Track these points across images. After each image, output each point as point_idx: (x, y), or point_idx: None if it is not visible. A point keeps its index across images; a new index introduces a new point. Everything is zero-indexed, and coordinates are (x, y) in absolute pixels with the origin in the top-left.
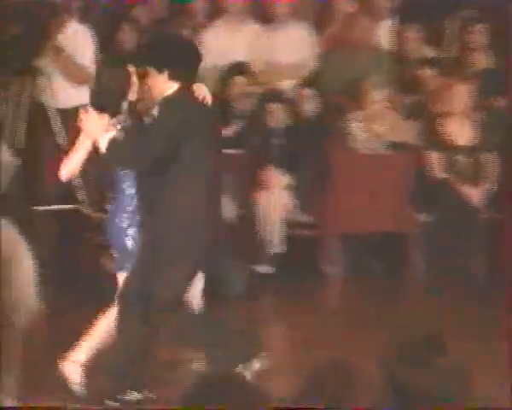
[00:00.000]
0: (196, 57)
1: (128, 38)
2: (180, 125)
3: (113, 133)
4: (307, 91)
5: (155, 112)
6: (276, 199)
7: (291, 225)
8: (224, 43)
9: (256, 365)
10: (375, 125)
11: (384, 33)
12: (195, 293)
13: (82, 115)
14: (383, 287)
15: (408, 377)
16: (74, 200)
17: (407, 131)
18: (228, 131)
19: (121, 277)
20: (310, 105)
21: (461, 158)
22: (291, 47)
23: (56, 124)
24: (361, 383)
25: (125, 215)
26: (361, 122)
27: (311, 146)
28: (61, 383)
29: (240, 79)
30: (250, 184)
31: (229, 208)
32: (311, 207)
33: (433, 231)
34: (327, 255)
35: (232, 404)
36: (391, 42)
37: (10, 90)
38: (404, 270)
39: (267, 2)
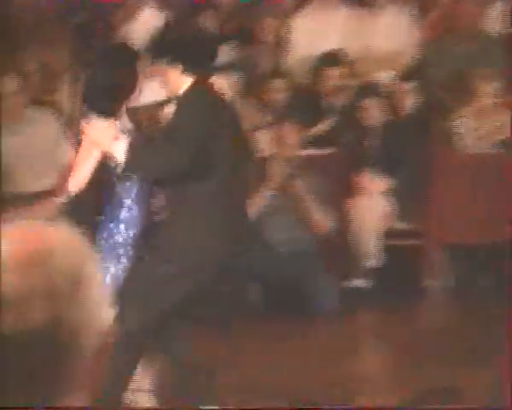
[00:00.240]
0: (211, 49)
1: (209, 25)
2: (206, 119)
3: (125, 141)
4: (407, 84)
5: (174, 110)
6: (372, 206)
7: (389, 234)
8: (315, 30)
9: None
10: (484, 123)
11: (494, 18)
12: None
13: (86, 127)
14: (491, 304)
15: None
16: None
17: None
18: (318, 129)
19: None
20: (410, 100)
21: None
22: (389, 34)
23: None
24: None
25: (121, 226)
26: (468, 119)
27: (411, 146)
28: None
29: (333, 71)
30: (343, 189)
31: (319, 216)
32: (411, 215)
33: None
34: (428, 267)
35: None
36: (502, 28)
37: None
38: None
39: None
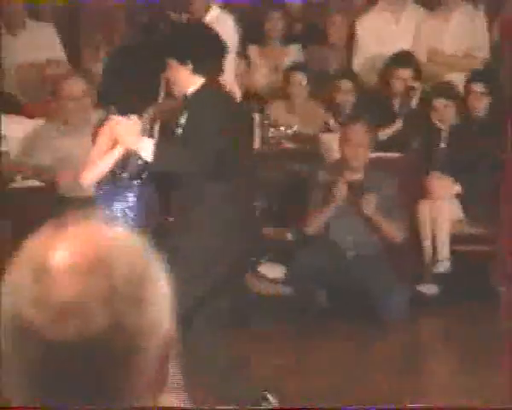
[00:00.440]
0: (222, 48)
1: (277, 26)
2: (223, 120)
3: (149, 138)
4: (479, 86)
5: (189, 110)
6: (442, 210)
7: (459, 239)
8: (384, 30)
9: None
10: None
11: None
12: None
13: (113, 125)
14: None
15: None
16: None
17: None
18: (387, 132)
19: None
20: (482, 102)
21: None
22: (461, 34)
23: None
24: None
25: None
26: None
27: (482, 149)
28: None
29: (404, 71)
30: (412, 193)
31: (389, 227)
32: (482, 219)
33: None
34: (501, 273)
35: None
36: None
37: None
38: None
39: None
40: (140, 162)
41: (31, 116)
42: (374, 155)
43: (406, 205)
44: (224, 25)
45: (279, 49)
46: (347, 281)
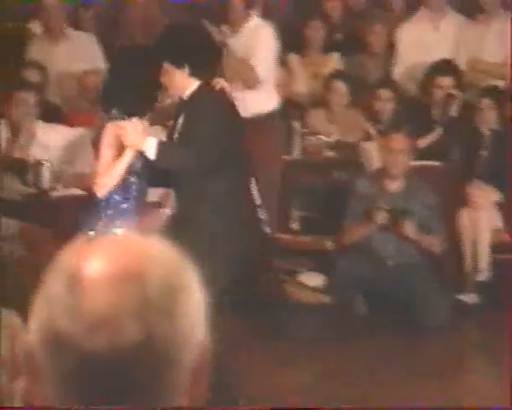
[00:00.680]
0: (217, 51)
1: (317, 35)
2: (222, 120)
3: (153, 138)
4: None
5: (186, 111)
6: (482, 219)
7: (499, 248)
8: (424, 38)
9: None
10: None
11: None
12: None
13: (117, 130)
14: None
15: None
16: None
17: None
18: (427, 140)
19: None
20: None
21: None
22: (501, 42)
23: None
24: None
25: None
26: None
27: None
28: None
29: (444, 80)
30: (453, 201)
31: (430, 239)
32: None
33: None
34: None
35: None
36: None
37: None
38: None
39: None
40: (143, 161)
41: (71, 125)
42: (414, 163)
43: (446, 214)
44: (263, 34)
45: (319, 58)
46: (387, 289)
